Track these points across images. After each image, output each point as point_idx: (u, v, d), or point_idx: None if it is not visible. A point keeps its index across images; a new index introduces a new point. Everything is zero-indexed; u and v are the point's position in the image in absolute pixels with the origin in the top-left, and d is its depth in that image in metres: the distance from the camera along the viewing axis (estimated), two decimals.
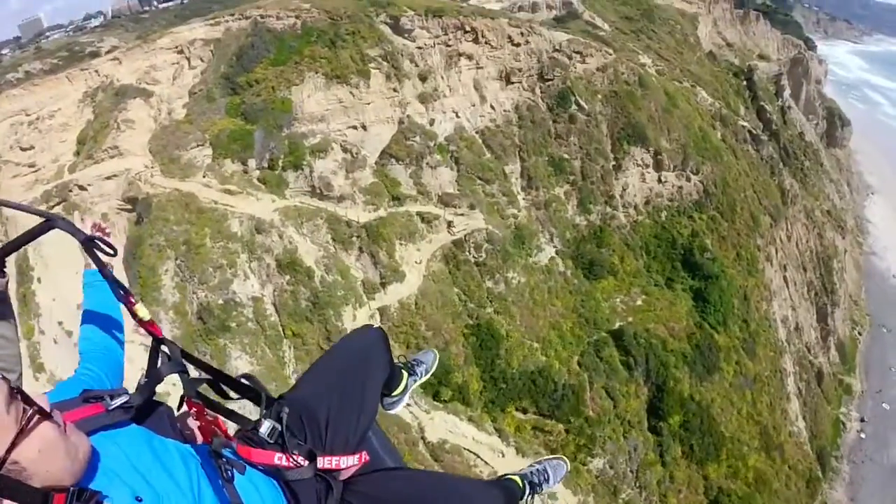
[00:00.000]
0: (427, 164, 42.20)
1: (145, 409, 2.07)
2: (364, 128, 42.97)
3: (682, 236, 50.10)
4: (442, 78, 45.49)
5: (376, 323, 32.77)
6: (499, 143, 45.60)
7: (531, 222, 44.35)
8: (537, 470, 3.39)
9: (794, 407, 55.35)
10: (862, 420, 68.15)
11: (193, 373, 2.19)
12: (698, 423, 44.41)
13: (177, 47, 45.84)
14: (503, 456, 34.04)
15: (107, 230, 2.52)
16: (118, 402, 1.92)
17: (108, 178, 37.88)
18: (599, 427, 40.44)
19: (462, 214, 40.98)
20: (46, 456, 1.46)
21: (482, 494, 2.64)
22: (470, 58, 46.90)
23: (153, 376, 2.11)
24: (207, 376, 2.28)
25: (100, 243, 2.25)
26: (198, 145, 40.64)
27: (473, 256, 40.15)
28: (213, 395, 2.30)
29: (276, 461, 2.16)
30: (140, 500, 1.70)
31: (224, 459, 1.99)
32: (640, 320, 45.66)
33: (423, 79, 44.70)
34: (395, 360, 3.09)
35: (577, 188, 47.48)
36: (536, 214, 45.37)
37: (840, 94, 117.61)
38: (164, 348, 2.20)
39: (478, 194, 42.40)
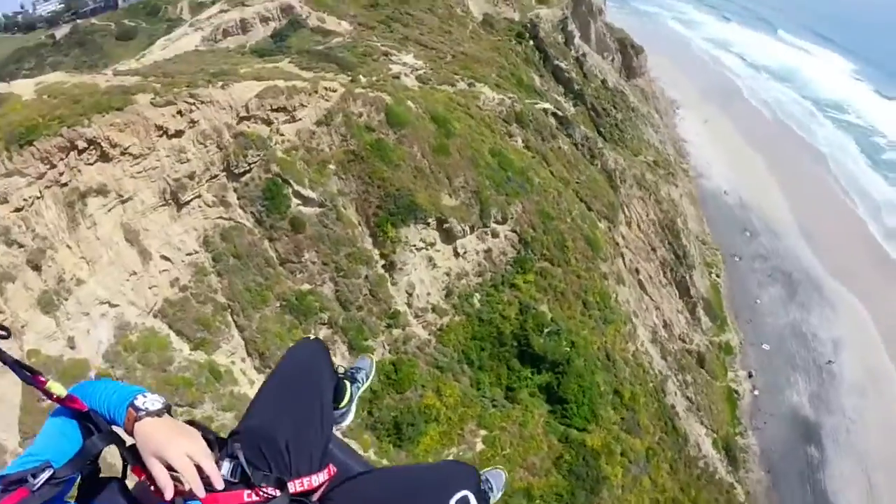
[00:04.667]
0: None
1: (93, 488, 2.06)
2: None
3: (507, 321, 36.31)
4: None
5: None
6: (192, 320, 27.20)
7: None
8: (483, 479, 3.20)
9: (693, 438, 46.51)
10: (750, 375, 63.67)
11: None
12: None
13: None
14: None
15: None
16: (42, 478, 1.82)
17: None
18: None
19: None
20: None
21: (459, 471, 2.56)
22: (104, 192, 26.82)
23: (84, 450, 2.04)
24: None
25: None
26: None
27: None
28: None
29: (247, 499, 2.12)
30: None
31: None
32: None
33: (36, 268, 24.34)
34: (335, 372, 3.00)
35: (338, 328, 31.09)
36: None
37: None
38: (92, 420, 2.10)
39: None
